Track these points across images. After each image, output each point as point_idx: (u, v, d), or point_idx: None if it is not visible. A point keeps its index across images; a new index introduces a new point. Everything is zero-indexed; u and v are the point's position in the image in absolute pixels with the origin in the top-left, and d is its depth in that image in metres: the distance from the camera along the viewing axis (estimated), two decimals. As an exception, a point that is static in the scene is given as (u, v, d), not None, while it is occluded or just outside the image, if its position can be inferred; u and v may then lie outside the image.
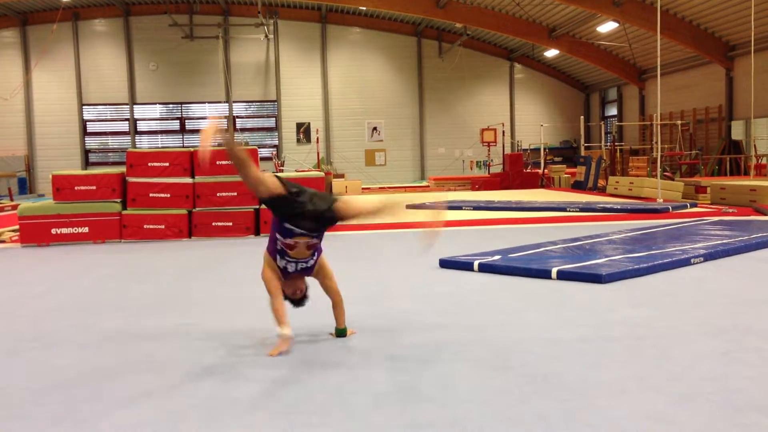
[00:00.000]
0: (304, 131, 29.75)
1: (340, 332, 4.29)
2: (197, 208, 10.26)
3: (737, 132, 21.76)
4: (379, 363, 3.75)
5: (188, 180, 10.25)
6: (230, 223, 10.24)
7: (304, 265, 4.10)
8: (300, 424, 2.89)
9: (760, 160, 20.36)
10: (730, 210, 12.41)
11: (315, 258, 4.14)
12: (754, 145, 20.46)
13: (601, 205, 13.24)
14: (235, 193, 10.24)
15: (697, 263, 6.69)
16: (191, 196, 10.26)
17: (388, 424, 2.87)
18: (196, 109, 29.63)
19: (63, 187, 10.10)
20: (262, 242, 9.47)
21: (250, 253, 8.56)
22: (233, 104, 29.48)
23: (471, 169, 30.30)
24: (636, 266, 6.18)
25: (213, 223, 10.24)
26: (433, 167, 30.40)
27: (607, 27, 23.17)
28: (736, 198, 13.73)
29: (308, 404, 3.13)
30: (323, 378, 3.50)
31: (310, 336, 4.35)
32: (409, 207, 14.95)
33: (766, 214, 11.59)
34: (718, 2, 19.61)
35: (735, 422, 2.80)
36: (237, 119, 29.82)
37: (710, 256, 6.91)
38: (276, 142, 29.87)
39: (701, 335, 4.17)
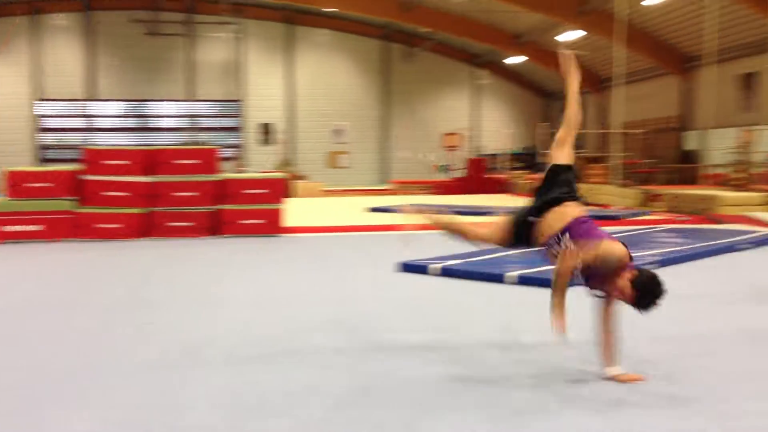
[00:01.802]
0: (267, 132, 29.58)
1: None
2: (155, 208, 10.12)
3: (692, 142, 22.28)
4: (341, 363, 3.76)
5: (146, 179, 10.11)
6: (190, 224, 10.13)
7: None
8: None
9: (712, 170, 20.86)
10: (684, 218, 12.70)
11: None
12: (708, 156, 20.98)
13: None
14: (196, 193, 10.14)
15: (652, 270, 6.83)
16: (149, 196, 10.12)
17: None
18: (157, 107, 29.22)
19: (17, 183, 9.88)
20: (222, 243, 9.43)
21: (209, 253, 8.49)
22: (197, 103, 29.16)
23: (433, 173, 30.45)
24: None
25: (171, 223, 10.11)
26: (396, 170, 30.48)
27: (571, 35, 23.52)
28: (689, 206, 14.04)
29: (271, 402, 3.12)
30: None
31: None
32: (374, 210, 14.99)
33: (717, 223, 11.89)
34: (676, 15, 20.07)
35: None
36: (200, 118, 29.50)
37: (663, 262, 7.06)
38: (239, 143, 29.63)
39: (649, 340, 4.28)
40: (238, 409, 3.10)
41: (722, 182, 19.96)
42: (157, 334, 4.50)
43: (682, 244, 8.21)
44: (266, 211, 10.29)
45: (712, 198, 13.72)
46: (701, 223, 11.95)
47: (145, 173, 10.12)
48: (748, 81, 18.97)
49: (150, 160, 10.16)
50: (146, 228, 10.04)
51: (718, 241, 8.53)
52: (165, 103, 29.11)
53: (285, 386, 3.42)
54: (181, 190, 10.13)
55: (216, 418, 3.00)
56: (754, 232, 9.91)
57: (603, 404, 3.13)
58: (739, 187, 18.34)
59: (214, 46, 28.95)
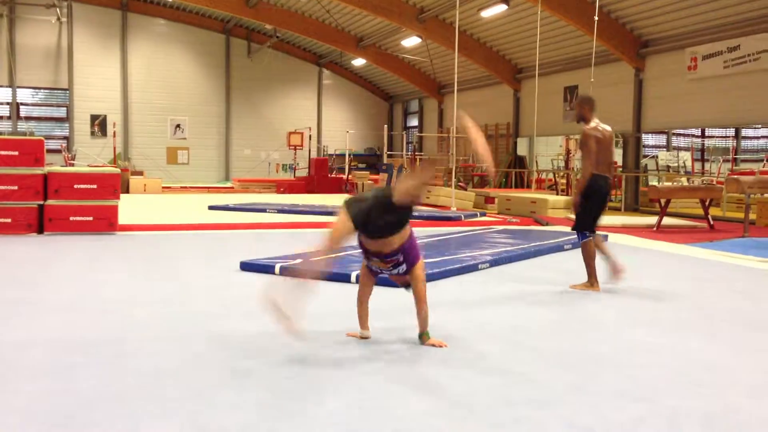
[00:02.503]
0: (99, 124, 27.89)
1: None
2: (-31, 202, 9.22)
3: (522, 148, 23.74)
4: (168, 365, 3.60)
5: (-41, 170, 9.18)
6: (8, 220, 9.33)
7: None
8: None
9: (540, 175, 22.38)
10: (514, 219, 13.50)
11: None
12: (536, 161, 22.48)
13: (401, 212, 13.75)
14: (16, 187, 9.35)
15: (484, 269, 7.19)
16: (-38, 189, 9.20)
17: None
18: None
19: None
20: (45, 240, 8.78)
21: (30, 252, 7.86)
22: (17, 89, 26.91)
23: (277, 171, 30.20)
24: (429, 271, 6.50)
25: (-12, 219, 9.26)
26: (238, 168, 29.91)
27: (411, 41, 24.23)
28: (519, 209, 14.96)
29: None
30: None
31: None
32: (211, 208, 14.58)
33: (543, 224, 12.74)
34: (508, 29, 21.29)
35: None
36: (22, 106, 27.26)
37: (495, 262, 7.46)
38: (67, 134, 27.71)
39: (483, 335, 4.49)
40: (54, 418, 2.88)
41: (548, 186, 21.47)
42: (-31, 342, 4.09)
43: (513, 244, 8.70)
44: (99, 207, 9.69)
45: (539, 201, 14.69)
46: (529, 225, 12.75)
47: (-43, 164, 9.19)
48: (571, 93, 20.52)
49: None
50: (-43, 224, 9.11)
51: (545, 242, 9.14)
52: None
53: (108, 392, 3.22)
54: (0, 183, 9.30)
55: (30, 430, 2.76)
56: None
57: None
58: (563, 191, 19.81)
59: (39, 30, 26.85)
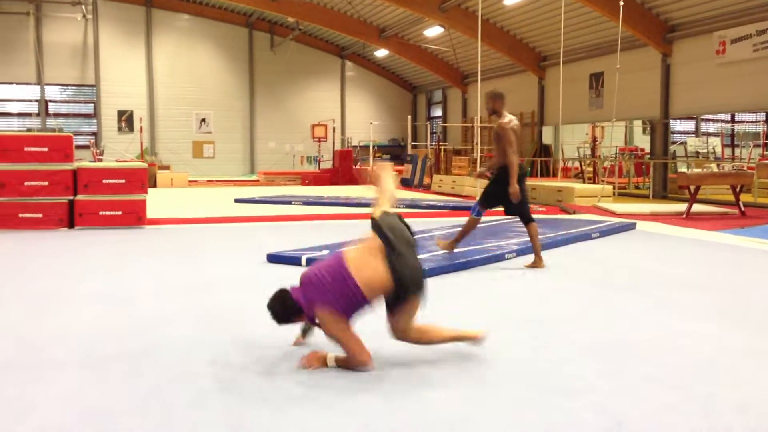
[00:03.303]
0: (126, 119, 28.18)
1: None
2: (1, 198, 9.37)
3: (547, 136, 23.53)
4: (200, 357, 3.64)
5: (-9, 167, 9.34)
6: (40, 215, 9.47)
7: None
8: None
9: (566, 163, 22.18)
10: (540, 209, 13.40)
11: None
12: (562, 149, 22.29)
13: (426, 203, 13.76)
14: (46, 183, 9.49)
15: (510, 258, 7.15)
16: (-6, 185, 9.36)
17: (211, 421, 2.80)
18: (2, 91, 27.06)
19: None
20: (76, 235, 8.91)
21: (62, 246, 7.98)
22: (46, 87, 27.27)
23: (301, 164, 30.29)
24: (456, 261, 6.49)
25: (20, 215, 9.41)
26: (263, 161, 30.04)
27: (434, 31, 24.10)
28: (545, 197, 14.84)
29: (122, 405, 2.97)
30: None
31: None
32: (237, 201, 14.68)
33: (569, 213, 12.64)
34: (532, 16, 21.07)
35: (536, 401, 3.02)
36: (50, 103, 27.63)
37: (521, 251, 7.41)
38: (95, 130, 28.05)
39: (512, 326, 4.47)
40: (91, 410, 2.92)
41: (575, 175, 21.28)
42: None
43: (541, 233, 8.63)
44: (127, 201, 9.81)
45: (566, 190, 14.56)
46: (556, 214, 12.65)
47: (-11, 161, 9.34)
48: (596, 80, 20.27)
49: (-6, 147, 9.40)
50: (-10, 220, 9.28)
51: (572, 231, 9.06)
52: (12, 86, 27.01)
53: (142, 383, 3.26)
54: (31, 179, 9.45)
55: (68, 419, 2.81)
56: (603, 221, 10.61)
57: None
58: (589, 180, 19.62)
59: (65, 27, 27.13)
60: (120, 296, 5.25)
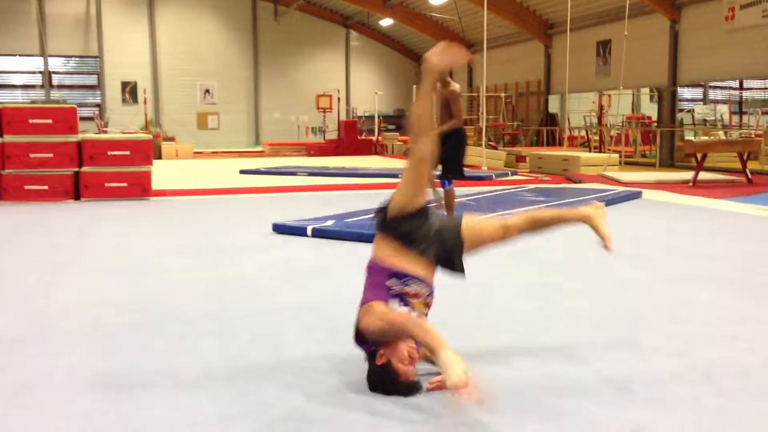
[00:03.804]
0: (130, 91, 28.10)
1: None
2: (7, 170, 9.41)
3: (554, 105, 23.36)
4: (209, 332, 3.67)
5: (-4, 139, 9.36)
6: (45, 187, 9.50)
7: None
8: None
9: (572, 132, 22.05)
10: (546, 178, 13.36)
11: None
12: (568, 118, 22.14)
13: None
14: (51, 155, 9.50)
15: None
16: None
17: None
18: (5, 63, 26.98)
19: None
20: (82, 207, 8.94)
21: (67, 218, 8.02)
22: (49, 58, 27.16)
23: (306, 135, 30.20)
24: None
25: (25, 187, 9.45)
26: (268, 132, 29.96)
27: (439, 0, 23.83)
28: (551, 167, 14.79)
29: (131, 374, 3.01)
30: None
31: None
32: (242, 172, 14.68)
33: (576, 182, 12.60)
34: (539, -18, 20.83)
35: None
36: (54, 75, 27.53)
37: (527, 220, 7.39)
38: (99, 102, 27.98)
39: (516, 290, 4.49)
40: (98, 379, 2.96)
41: (581, 143, 21.17)
42: None
43: (545, 202, 8.63)
44: (133, 173, 9.82)
45: (572, 159, 14.50)
46: (561, 183, 12.62)
47: (-6, 133, 9.35)
48: (604, 48, 20.06)
49: (0, 120, 9.39)
50: (-3, 193, 9.32)
51: (577, 200, 9.04)
52: (15, 58, 26.93)
53: (154, 355, 3.30)
54: (36, 151, 9.46)
55: (74, 394, 2.85)
56: (609, 190, 10.58)
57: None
58: (595, 148, 19.52)
59: (68, -2, 26.97)
60: (126, 269, 5.28)
